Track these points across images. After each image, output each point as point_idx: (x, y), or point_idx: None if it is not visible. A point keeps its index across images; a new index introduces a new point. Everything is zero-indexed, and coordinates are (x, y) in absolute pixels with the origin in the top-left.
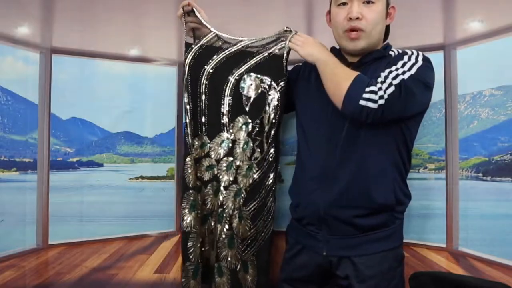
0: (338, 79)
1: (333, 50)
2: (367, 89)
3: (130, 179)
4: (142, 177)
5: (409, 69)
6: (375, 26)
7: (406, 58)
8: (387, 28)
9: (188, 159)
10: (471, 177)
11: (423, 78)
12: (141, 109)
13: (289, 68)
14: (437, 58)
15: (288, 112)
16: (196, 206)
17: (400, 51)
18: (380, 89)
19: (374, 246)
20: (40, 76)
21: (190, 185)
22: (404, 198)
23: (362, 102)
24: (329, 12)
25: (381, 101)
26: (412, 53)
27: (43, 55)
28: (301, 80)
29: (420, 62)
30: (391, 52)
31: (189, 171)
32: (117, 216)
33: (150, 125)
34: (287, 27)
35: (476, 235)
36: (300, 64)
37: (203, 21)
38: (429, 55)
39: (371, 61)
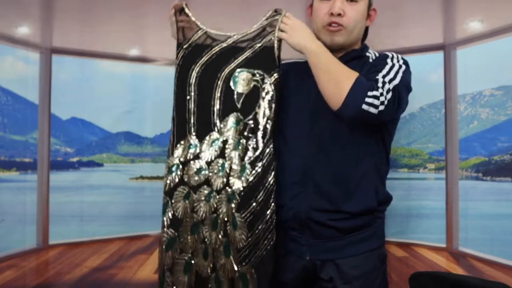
0: (336, 78)
1: None
2: (370, 94)
3: (130, 179)
4: (142, 177)
5: (397, 74)
6: (355, 25)
7: (389, 61)
8: (366, 30)
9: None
10: (471, 177)
11: (407, 83)
12: (141, 109)
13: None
14: (437, 58)
15: None
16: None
17: (377, 54)
18: (381, 94)
19: (357, 247)
20: (40, 76)
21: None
22: (385, 199)
23: (364, 107)
24: (310, 6)
25: (382, 107)
26: (393, 56)
27: (43, 55)
28: None
29: (403, 66)
30: (368, 54)
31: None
32: (117, 216)
33: (150, 125)
34: (275, 10)
35: (476, 235)
36: None
37: (192, 18)
38: (429, 55)
39: (348, 60)
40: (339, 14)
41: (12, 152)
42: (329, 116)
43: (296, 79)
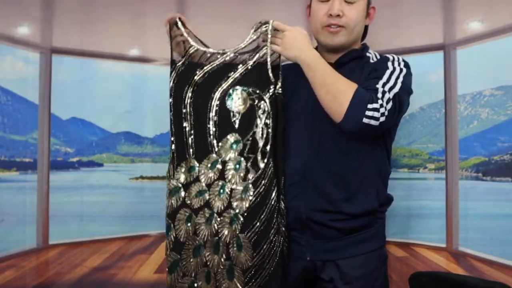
0: (334, 91)
1: None
2: (370, 106)
3: (130, 179)
4: (142, 177)
5: (398, 79)
6: (355, 24)
7: (390, 65)
8: (366, 28)
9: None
10: (471, 177)
11: (408, 87)
12: (141, 109)
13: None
14: (437, 58)
15: None
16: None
17: (379, 56)
18: (381, 106)
19: (358, 248)
20: (40, 76)
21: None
22: (386, 201)
23: (365, 120)
24: (309, 6)
25: (383, 118)
26: (394, 59)
27: (43, 55)
28: None
29: (404, 70)
30: (368, 54)
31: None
32: (117, 216)
33: (150, 125)
34: (260, 22)
35: (476, 235)
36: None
37: (184, 34)
38: (429, 55)
39: (348, 60)
40: (338, 15)
41: (12, 152)
42: (329, 118)
43: (296, 80)
